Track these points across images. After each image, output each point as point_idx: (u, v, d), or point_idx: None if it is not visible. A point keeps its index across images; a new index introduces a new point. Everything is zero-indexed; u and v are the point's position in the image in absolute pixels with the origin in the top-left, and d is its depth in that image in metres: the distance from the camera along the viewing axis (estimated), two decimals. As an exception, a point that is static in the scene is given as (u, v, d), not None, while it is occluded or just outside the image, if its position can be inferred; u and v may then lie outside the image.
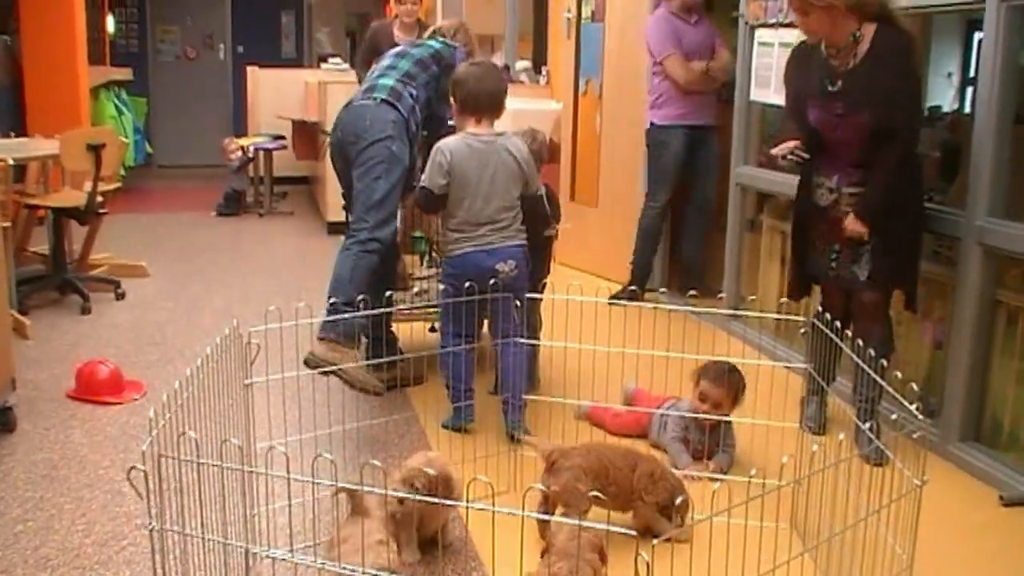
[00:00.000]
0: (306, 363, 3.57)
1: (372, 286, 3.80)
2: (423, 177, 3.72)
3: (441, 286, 3.93)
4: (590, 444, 3.10)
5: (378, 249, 3.89)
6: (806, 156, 3.64)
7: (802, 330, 3.07)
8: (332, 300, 3.75)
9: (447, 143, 3.70)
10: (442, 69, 4.19)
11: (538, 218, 3.91)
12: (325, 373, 3.65)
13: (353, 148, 3.99)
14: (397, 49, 4.38)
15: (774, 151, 3.73)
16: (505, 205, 3.73)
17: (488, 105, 3.74)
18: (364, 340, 4.21)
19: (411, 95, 4.10)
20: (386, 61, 4.26)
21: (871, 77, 3.47)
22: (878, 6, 3.49)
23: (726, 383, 3.50)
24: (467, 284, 3.57)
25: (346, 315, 3.63)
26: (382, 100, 4.02)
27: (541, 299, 4.11)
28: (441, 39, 4.42)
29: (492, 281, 3.59)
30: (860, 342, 2.81)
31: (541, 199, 3.89)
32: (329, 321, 3.65)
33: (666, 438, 3.65)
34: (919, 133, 3.66)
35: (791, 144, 3.65)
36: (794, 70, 3.82)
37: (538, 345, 4.15)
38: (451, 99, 3.81)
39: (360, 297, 3.52)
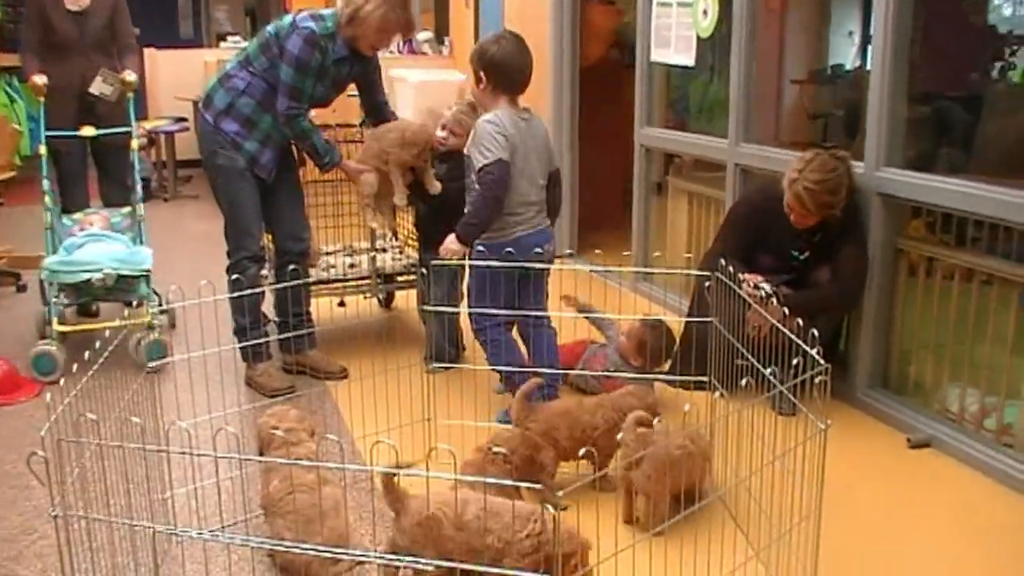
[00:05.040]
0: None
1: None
2: (485, 155, 3.39)
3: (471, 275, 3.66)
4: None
5: (246, 265, 3.92)
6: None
7: (707, 283, 3.11)
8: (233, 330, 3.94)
9: (497, 117, 3.44)
10: (280, 53, 3.98)
11: (558, 193, 3.79)
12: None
13: None
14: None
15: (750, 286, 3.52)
16: (542, 184, 3.59)
17: (524, 83, 3.54)
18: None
19: (240, 85, 4.10)
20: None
21: (840, 254, 3.68)
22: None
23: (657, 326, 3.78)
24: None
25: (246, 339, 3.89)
26: (203, 116, 4.05)
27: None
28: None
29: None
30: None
31: (558, 172, 3.78)
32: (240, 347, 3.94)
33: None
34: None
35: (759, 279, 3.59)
36: (749, 223, 3.87)
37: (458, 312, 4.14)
38: (479, 76, 3.52)
39: (247, 319, 3.87)
